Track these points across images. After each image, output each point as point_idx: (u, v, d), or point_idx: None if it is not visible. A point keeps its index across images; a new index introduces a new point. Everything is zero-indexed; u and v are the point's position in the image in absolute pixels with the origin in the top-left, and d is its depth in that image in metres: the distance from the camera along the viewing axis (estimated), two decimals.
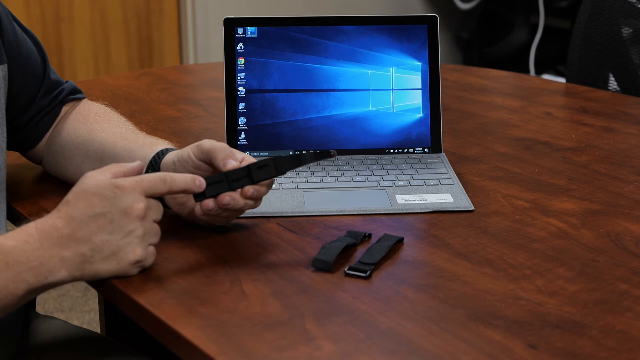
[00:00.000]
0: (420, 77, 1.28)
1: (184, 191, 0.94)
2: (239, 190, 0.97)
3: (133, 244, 0.89)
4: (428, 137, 1.27)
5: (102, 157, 1.11)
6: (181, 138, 1.39)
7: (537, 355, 0.77)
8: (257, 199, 0.99)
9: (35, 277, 0.86)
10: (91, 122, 1.17)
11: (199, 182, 0.94)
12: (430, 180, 1.18)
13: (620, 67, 1.85)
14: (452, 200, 1.12)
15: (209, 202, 0.96)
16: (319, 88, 1.27)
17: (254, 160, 0.98)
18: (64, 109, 1.21)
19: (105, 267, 0.88)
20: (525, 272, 0.93)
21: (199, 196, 0.96)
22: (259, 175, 0.97)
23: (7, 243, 0.86)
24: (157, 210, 0.92)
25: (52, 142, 1.18)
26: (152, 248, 0.91)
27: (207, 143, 0.99)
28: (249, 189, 0.97)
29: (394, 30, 1.27)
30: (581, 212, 1.10)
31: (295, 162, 0.98)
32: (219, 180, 0.96)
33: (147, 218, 0.90)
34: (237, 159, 0.98)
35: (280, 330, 0.82)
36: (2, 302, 0.85)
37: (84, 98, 1.24)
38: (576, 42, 1.90)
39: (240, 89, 1.26)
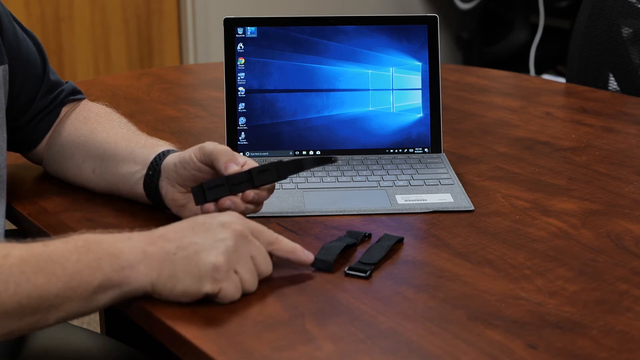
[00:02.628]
0: (420, 77, 1.28)
1: (289, 253, 0.91)
2: (240, 194, 0.97)
3: (218, 249, 0.84)
4: (428, 137, 1.27)
5: (102, 157, 1.11)
6: (181, 138, 1.39)
7: (537, 355, 0.77)
8: (258, 204, 0.99)
9: (111, 265, 0.82)
10: (92, 122, 1.16)
11: (306, 255, 0.92)
12: (430, 180, 1.18)
13: (620, 67, 1.85)
14: (452, 200, 1.12)
15: (210, 206, 0.96)
16: (319, 88, 1.27)
17: (255, 164, 0.98)
18: (64, 109, 1.21)
19: (183, 266, 0.84)
20: (525, 272, 0.93)
21: (200, 199, 0.96)
22: (260, 179, 0.97)
23: (98, 235, 0.85)
24: (259, 252, 0.88)
25: (53, 143, 1.18)
26: (236, 278, 0.85)
27: (210, 146, 0.99)
28: (250, 193, 0.97)
29: (394, 30, 1.27)
30: (581, 212, 1.10)
31: (297, 167, 0.98)
32: (220, 183, 0.96)
33: (244, 241, 0.86)
34: (239, 162, 0.98)
35: (280, 330, 0.82)
36: (75, 289, 0.81)
37: (84, 99, 1.24)
38: (576, 42, 1.90)
39: (240, 89, 1.26)
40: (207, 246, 0.85)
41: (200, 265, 0.84)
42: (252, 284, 0.87)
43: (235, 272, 0.85)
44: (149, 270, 0.84)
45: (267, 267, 0.88)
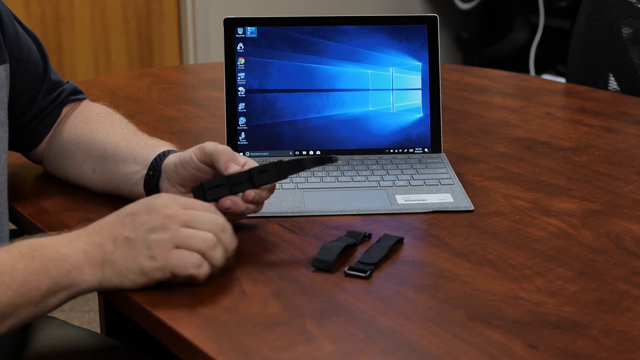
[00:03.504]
0: (420, 77, 1.28)
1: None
2: (240, 194, 0.97)
3: (150, 241, 0.86)
4: (428, 137, 1.27)
5: (103, 157, 1.11)
6: (181, 138, 1.39)
7: (537, 355, 0.77)
8: (258, 203, 0.99)
9: (57, 270, 0.84)
10: (93, 122, 1.17)
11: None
12: (430, 180, 1.18)
13: (620, 67, 1.85)
14: (452, 200, 1.12)
15: None
16: (319, 88, 1.27)
17: (256, 164, 0.98)
18: (65, 109, 1.21)
19: (123, 263, 0.85)
20: (525, 272, 0.93)
21: (200, 199, 0.96)
22: (261, 179, 0.97)
23: (39, 239, 0.86)
24: (192, 217, 0.88)
25: (53, 142, 1.18)
26: (179, 252, 0.86)
27: (210, 146, 0.99)
28: (250, 193, 0.97)
29: (394, 30, 1.27)
30: (581, 212, 1.10)
31: (297, 167, 0.98)
32: (221, 184, 0.96)
33: (171, 221, 0.87)
34: (239, 162, 0.98)
35: (280, 330, 0.82)
36: (25, 296, 0.83)
37: (84, 99, 1.24)
38: (576, 42, 1.90)
39: (240, 89, 1.26)
40: (140, 241, 0.86)
41: (140, 260, 0.86)
42: (191, 237, 0.86)
43: (177, 247, 0.86)
44: (94, 270, 0.86)
45: (209, 224, 0.88)
